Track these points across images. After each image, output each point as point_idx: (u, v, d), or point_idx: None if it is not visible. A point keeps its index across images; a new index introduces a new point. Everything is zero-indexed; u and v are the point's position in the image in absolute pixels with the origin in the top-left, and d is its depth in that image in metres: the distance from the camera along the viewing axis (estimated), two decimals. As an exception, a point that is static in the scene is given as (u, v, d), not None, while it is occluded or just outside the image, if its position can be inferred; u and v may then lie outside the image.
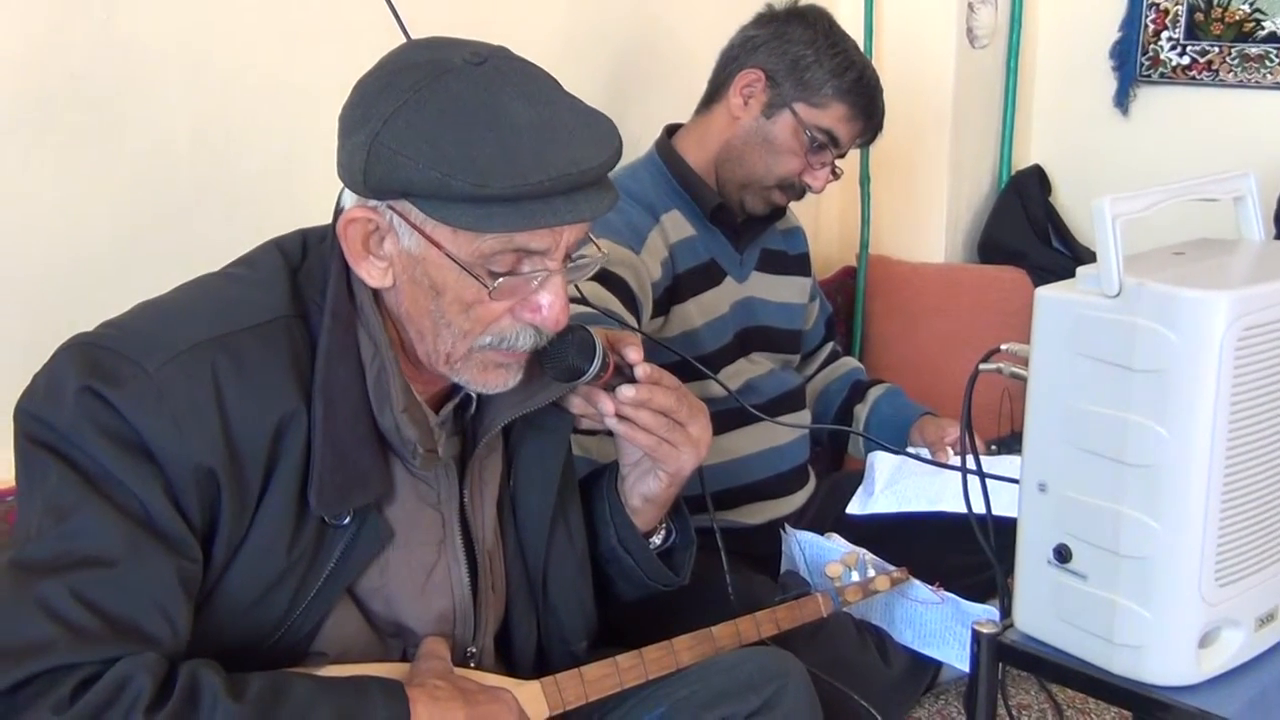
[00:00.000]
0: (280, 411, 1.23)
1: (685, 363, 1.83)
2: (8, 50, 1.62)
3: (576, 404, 1.44)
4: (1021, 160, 3.35)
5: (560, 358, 1.35)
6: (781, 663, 1.50)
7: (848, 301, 3.11)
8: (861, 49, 2.19)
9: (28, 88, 1.65)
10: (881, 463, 2.29)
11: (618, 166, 2.19)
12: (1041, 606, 1.31)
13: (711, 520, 1.69)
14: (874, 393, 2.45)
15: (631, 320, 1.86)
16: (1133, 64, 3.20)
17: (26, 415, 1.19)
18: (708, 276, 2.17)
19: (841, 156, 2.19)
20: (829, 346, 2.53)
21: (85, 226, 1.73)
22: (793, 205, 2.32)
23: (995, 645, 1.35)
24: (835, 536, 2.11)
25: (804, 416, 2.33)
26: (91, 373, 1.17)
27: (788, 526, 2.09)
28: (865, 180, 3.08)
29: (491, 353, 1.30)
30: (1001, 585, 1.40)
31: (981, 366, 1.38)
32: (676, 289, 2.11)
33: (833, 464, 2.67)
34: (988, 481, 1.43)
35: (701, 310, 2.14)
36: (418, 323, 1.30)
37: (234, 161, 1.89)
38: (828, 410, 2.45)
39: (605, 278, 1.89)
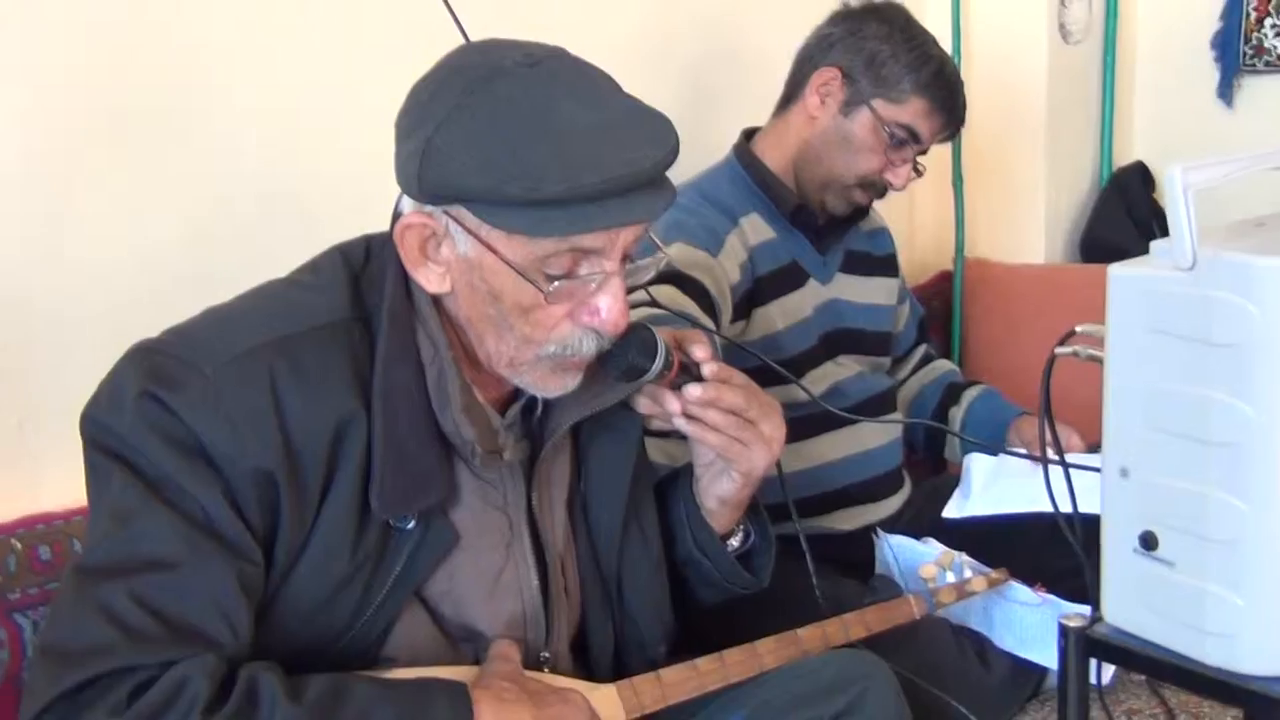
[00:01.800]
0: (339, 414, 1.24)
1: (768, 366, 1.81)
2: (80, 64, 1.66)
3: (644, 404, 1.43)
4: (1123, 157, 3.27)
5: (621, 356, 1.34)
6: (865, 665, 1.46)
7: (945, 307, 3.05)
8: (941, 44, 2.15)
9: (100, 100, 1.69)
10: (978, 465, 2.23)
11: (696, 172, 2.19)
12: (1129, 597, 1.26)
13: (796, 525, 1.66)
14: (969, 394, 2.39)
15: (709, 322, 1.84)
16: (1235, 53, 3.11)
17: (90, 422, 1.21)
18: (789, 279, 2.14)
19: (923, 153, 2.15)
20: (921, 349, 2.48)
21: (156, 238, 1.76)
22: (884, 207, 2.29)
23: (1083, 639, 1.30)
24: (931, 541, 2.06)
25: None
26: (151, 378, 1.19)
27: (880, 531, 2.05)
28: (958, 181, 3.02)
29: (556, 360, 1.30)
30: (1091, 580, 1.35)
31: (1058, 350, 1.34)
32: (757, 292, 2.08)
33: (931, 470, 2.62)
34: (1083, 477, 1.38)
35: (784, 313, 2.12)
36: (478, 327, 1.30)
37: (303, 172, 1.91)
38: (922, 414, 2.40)
39: (681, 280, 1.88)
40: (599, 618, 1.47)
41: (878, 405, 2.23)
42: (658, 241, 1.36)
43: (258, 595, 1.21)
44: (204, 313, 1.30)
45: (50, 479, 1.63)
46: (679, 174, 2.17)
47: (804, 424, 2.15)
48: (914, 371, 2.46)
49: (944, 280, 3.09)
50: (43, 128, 1.65)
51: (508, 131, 1.19)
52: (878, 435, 2.22)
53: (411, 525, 1.28)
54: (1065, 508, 1.38)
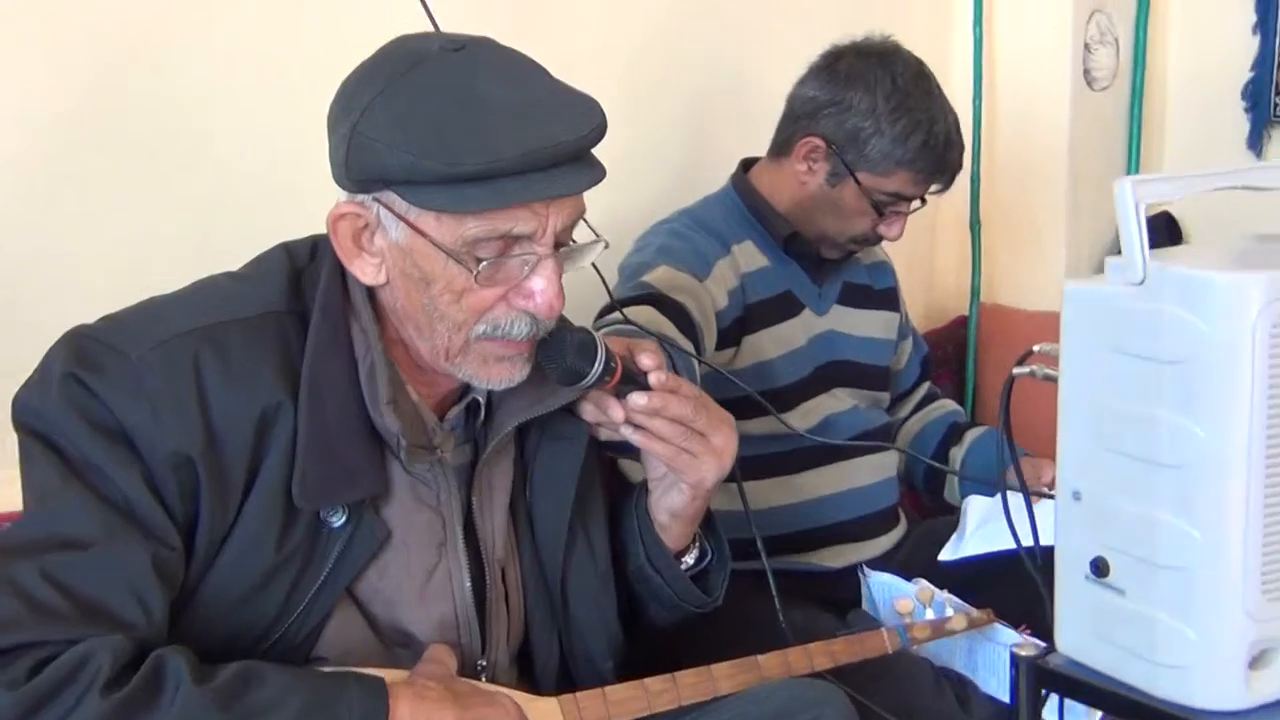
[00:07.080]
0: (264, 403, 1.23)
1: (751, 395, 1.79)
2: (94, 62, 1.70)
3: (589, 411, 1.41)
4: (1150, 206, 3.21)
5: (559, 358, 1.32)
6: (819, 691, 1.42)
7: (959, 351, 3.00)
8: (962, 90, 2.09)
9: (114, 98, 1.73)
10: (975, 505, 2.18)
11: (696, 200, 2.18)
12: (1082, 626, 1.22)
13: (763, 560, 1.63)
14: (971, 434, 2.34)
15: (687, 344, 1.81)
16: (1266, 105, 3.05)
17: (18, 404, 1.22)
18: (782, 308, 2.11)
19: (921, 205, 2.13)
20: (925, 387, 2.43)
21: (163, 236, 1.78)
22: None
23: (1035, 670, 1.26)
24: (920, 581, 2.01)
25: (889, 456, 2.24)
26: (77, 360, 1.19)
27: (865, 568, 2.01)
28: (975, 226, 2.98)
29: (489, 343, 1.29)
30: (1049, 612, 1.30)
31: (1015, 370, 1.32)
32: (748, 319, 2.06)
33: (934, 511, 2.56)
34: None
35: (775, 342, 2.09)
36: (415, 318, 1.29)
37: (311, 174, 1.91)
38: (923, 453, 2.34)
39: (660, 302, 1.86)
40: (543, 628, 1.45)
41: (872, 440, 2.19)
42: (593, 230, 1.34)
43: (175, 581, 1.19)
44: (143, 301, 1.30)
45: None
46: (681, 201, 2.18)
47: (792, 457, 2.11)
48: (916, 410, 2.41)
49: (960, 325, 3.04)
50: (36, 128, 1.67)
51: (428, 111, 1.19)
52: (871, 472, 2.18)
53: (341, 522, 1.27)
54: (1028, 540, 1.36)
